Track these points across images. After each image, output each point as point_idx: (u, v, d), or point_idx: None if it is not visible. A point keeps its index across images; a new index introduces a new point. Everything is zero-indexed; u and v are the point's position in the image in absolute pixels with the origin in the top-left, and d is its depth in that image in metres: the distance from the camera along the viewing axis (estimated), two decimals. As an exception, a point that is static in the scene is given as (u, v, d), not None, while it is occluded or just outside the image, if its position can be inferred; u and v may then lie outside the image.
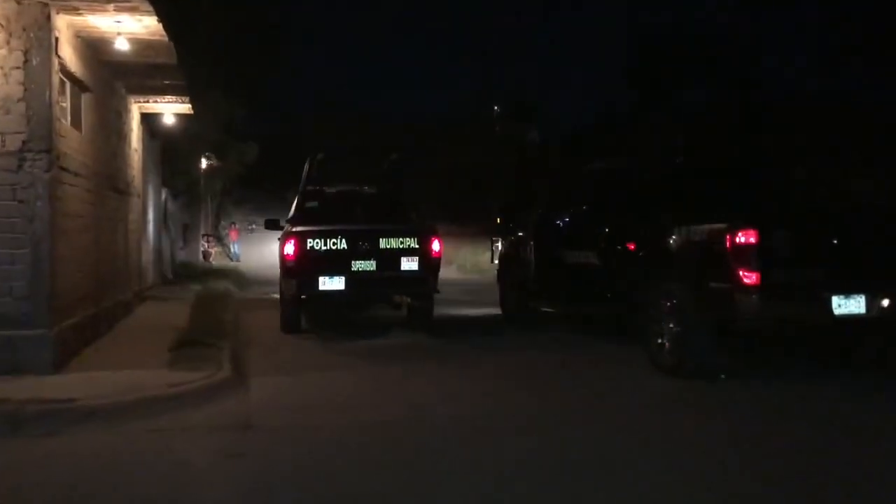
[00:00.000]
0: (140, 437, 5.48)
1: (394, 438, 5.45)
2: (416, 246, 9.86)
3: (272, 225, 11.26)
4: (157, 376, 6.68)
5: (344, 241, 9.69)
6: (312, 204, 10.90)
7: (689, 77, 23.20)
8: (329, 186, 11.14)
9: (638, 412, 6.16)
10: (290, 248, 9.73)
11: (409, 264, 9.82)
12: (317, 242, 9.68)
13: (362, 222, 10.39)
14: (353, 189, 11.35)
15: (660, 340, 7.51)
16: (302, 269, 9.66)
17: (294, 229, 9.95)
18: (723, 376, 7.12)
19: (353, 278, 9.66)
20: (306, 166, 11.11)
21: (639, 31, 25.99)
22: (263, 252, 29.58)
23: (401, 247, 9.82)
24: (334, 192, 11.16)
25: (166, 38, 8.32)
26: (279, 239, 10.55)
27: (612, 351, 8.76)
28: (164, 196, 16.25)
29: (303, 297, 9.89)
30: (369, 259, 9.73)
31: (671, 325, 7.39)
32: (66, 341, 7.36)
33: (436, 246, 9.96)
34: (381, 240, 9.78)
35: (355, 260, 9.69)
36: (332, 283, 9.64)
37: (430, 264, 9.91)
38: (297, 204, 10.93)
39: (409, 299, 10.77)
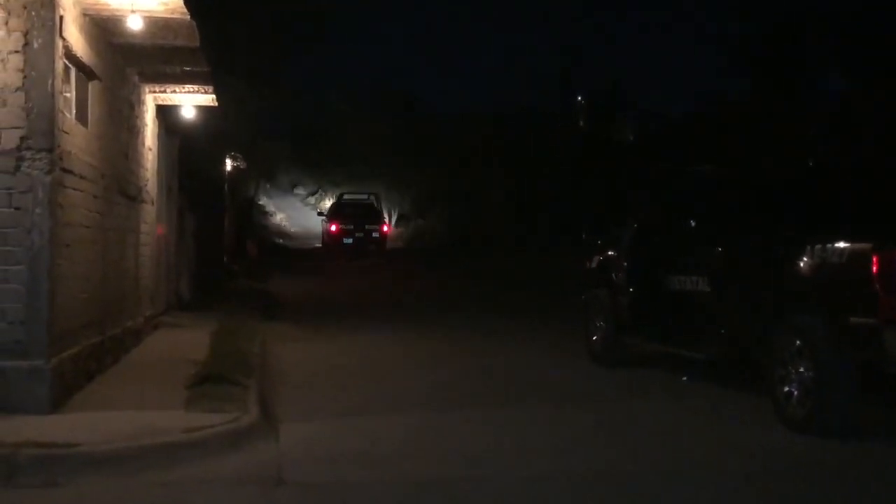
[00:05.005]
0: (152, 490, 5.58)
1: (448, 499, 5.42)
2: (377, 226, 37.60)
3: (321, 214, 41.34)
4: (171, 419, 6.79)
5: (352, 225, 36.48)
6: (341, 208, 38.33)
7: (823, 62, 22.76)
8: (349, 197, 39.87)
9: (764, 480, 6.00)
10: (333, 227, 37.06)
11: (375, 235, 37.03)
12: (342, 225, 36.67)
13: (360, 217, 36.91)
14: (359, 199, 39.33)
15: (787, 388, 7.37)
16: (336, 236, 36.76)
17: (333, 219, 37.61)
18: None
19: (355, 239, 36.21)
20: (335, 199, 42.32)
21: (755, 6, 25.59)
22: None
23: (372, 227, 37.06)
24: (351, 201, 39.02)
25: (187, 17, 8.48)
26: (323, 221, 39.31)
27: (726, 400, 8.63)
28: (182, 203, 16.57)
29: (338, 246, 36.05)
30: (362, 233, 36.44)
31: (801, 370, 7.25)
32: (66, 375, 7.50)
33: (385, 228, 39.13)
34: (366, 225, 36.76)
35: (356, 233, 36.33)
36: (347, 241, 36.13)
37: (382, 235, 37.83)
38: (333, 205, 40.68)
39: (373, 246, 36.20)
